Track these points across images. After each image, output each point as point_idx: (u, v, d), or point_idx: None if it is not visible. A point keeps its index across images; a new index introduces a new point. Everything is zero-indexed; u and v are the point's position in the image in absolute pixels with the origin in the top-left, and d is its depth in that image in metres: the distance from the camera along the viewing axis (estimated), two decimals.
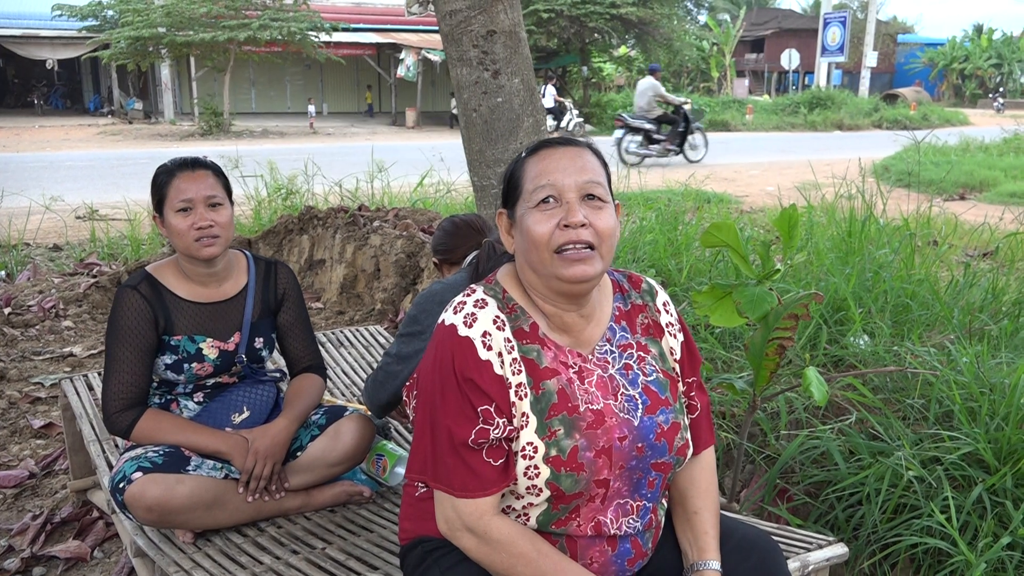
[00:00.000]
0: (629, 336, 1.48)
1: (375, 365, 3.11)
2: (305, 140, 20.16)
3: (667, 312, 1.54)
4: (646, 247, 4.56)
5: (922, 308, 3.59)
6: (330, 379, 2.90)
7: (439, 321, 1.40)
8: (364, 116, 29.15)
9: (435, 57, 25.27)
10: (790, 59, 32.00)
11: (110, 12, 21.71)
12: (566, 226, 1.33)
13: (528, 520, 1.40)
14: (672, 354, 1.51)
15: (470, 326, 1.36)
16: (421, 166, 7.75)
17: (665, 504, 1.54)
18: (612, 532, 1.41)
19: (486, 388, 1.34)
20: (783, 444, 2.77)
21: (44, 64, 26.97)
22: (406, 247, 4.71)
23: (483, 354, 1.35)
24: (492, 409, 1.34)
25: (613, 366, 1.44)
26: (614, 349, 1.45)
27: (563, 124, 22.22)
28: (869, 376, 2.94)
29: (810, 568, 1.80)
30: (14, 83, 31.91)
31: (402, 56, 26.43)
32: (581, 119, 23.55)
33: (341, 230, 5.16)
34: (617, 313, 1.49)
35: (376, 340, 3.32)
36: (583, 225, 1.33)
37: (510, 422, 1.36)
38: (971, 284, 3.88)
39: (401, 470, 2.23)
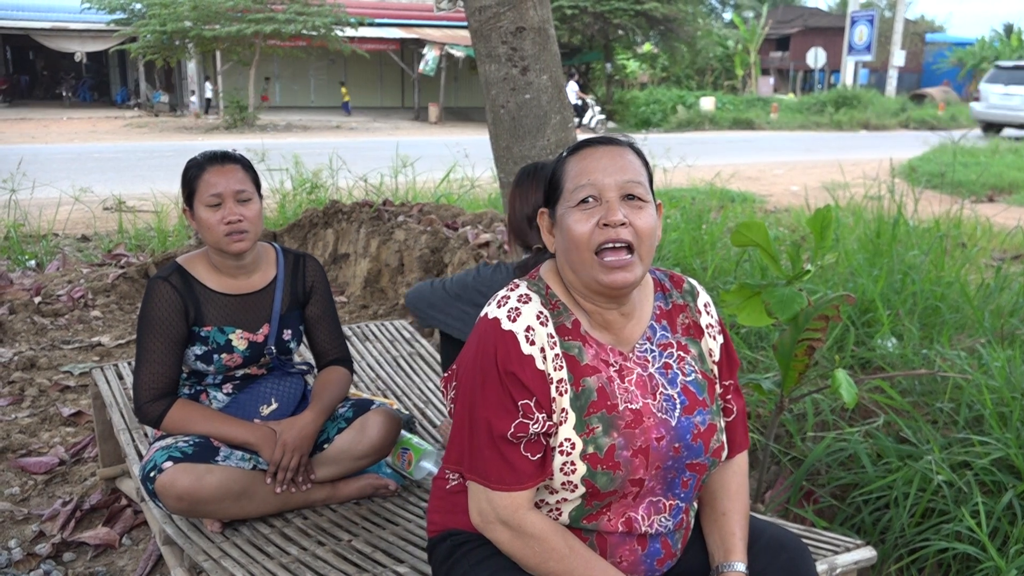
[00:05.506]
0: (669, 335, 1.47)
1: (400, 360, 3.13)
2: (329, 134, 20.26)
3: (708, 313, 1.53)
4: (671, 246, 4.55)
5: (952, 311, 3.55)
6: (355, 373, 2.91)
7: (481, 314, 1.41)
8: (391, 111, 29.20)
9: (458, 53, 25.29)
10: (816, 57, 31.68)
11: (138, 5, 21.93)
12: (605, 225, 1.33)
13: (560, 515, 1.40)
14: (711, 356, 1.51)
15: (514, 320, 1.36)
16: (445, 161, 7.77)
17: (696, 506, 1.53)
18: (643, 530, 1.40)
19: (527, 382, 1.34)
20: (809, 446, 2.75)
21: (73, 57, 27.30)
22: (430, 242, 4.72)
23: (526, 349, 1.35)
24: (532, 404, 1.34)
25: (653, 364, 1.43)
26: (654, 348, 1.45)
27: (585, 121, 22.18)
28: (897, 379, 2.91)
29: (838, 571, 1.79)
30: (43, 75, 32.35)
31: (424, 51, 26.49)
32: (603, 116, 23.50)
33: (365, 224, 5.18)
34: (658, 312, 1.48)
35: (401, 335, 3.33)
36: (623, 224, 1.33)
37: (549, 417, 1.36)
38: (1002, 287, 3.83)
39: (426, 464, 2.24)
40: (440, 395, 2.87)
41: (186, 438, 2.06)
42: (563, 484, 1.37)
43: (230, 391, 2.20)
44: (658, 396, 1.41)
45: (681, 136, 21.15)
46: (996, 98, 19.15)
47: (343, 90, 28.56)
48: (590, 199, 1.35)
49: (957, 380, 2.75)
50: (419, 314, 2.39)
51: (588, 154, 1.39)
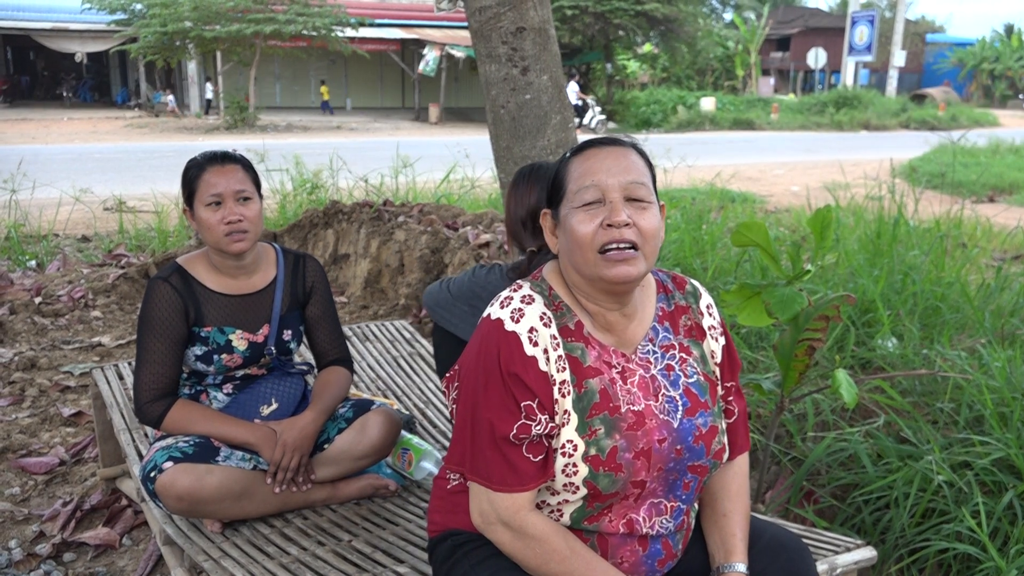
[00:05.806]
0: (672, 337, 1.47)
1: (400, 360, 3.13)
2: (329, 134, 20.28)
3: (710, 315, 1.53)
4: (671, 246, 4.55)
5: (952, 311, 3.55)
6: (356, 373, 2.91)
7: (484, 315, 1.40)
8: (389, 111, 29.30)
9: (459, 53, 25.29)
10: (816, 58, 31.70)
11: (139, 6, 21.96)
12: (609, 225, 1.33)
13: (562, 516, 1.40)
14: (713, 357, 1.50)
15: (517, 321, 1.36)
16: (445, 162, 7.78)
17: (697, 507, 1.53)
18: (644, 531, 1.40)
19: (530, 384, 1.34)
20: (809, 446, 2.75)
21: (73, 57, 27.31)
22: (430, 242, 4.72)
23: (529, 350, 1.35)
24: (535, 405, 1.34)
25: (655, 366, 1.43)
26: (656, 349, 1.45)
27: (586, 121, 22.20)
28: (898, 379, 2.91)
29: (838, 571, 1.79)
30: (44, 76, 32.37)
31: (424, 52, 26.51)
32: (604, 116, 23.51)
33: (366, 225, 5.18)
34: (660, 313, 1.48)
35: (401, 335, 3.33)
36: (627, 224, 1.33)
37: (552, 419, 1.36)
38: (1002, 287, 3.83)
39: (426, 465, 2.24)
40: (441, 395, 2.87)
41: (186, 438, 2.06)
42: (564, 486, 1.36)
43: (230, 391, 2.20)
44: (660, 398, 1.41)
45: (681, 136, 21.16)
46: None
47: (323, 89, 28.32)
48: (594, 200, 1.35)
49: (957, 380, 2.75)
50: (431, 313, 2.42)
51: (592, 155, 1.39)
